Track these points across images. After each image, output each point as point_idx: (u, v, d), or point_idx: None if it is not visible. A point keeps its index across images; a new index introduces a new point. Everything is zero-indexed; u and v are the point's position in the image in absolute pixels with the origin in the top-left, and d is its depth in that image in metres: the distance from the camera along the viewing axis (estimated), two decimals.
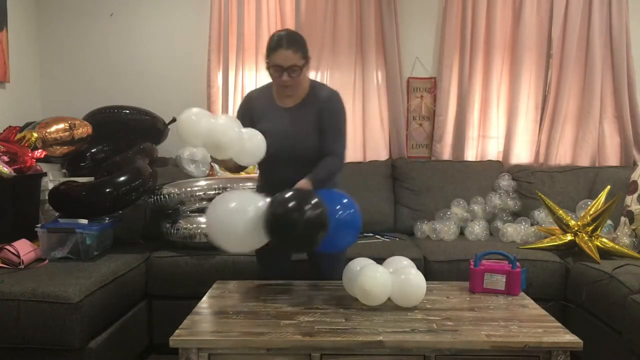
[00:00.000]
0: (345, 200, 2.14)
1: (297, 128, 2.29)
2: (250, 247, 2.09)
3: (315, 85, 2.37)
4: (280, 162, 2.29)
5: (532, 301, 2.12)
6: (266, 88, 2.40)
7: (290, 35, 2.24)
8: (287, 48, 2.17)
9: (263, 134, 2.22)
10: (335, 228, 2.02)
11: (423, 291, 2.00)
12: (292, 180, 2.19)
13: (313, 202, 1.93)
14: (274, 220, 1.91)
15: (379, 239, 3.18)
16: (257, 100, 2.38)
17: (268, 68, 2.25)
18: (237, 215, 1.95)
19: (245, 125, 2.23)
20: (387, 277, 1.98)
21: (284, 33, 2.25)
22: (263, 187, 2.39)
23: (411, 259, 2.22)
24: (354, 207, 2.14)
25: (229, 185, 2.86)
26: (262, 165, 2.34)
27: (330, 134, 2.30)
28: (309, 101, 2.31)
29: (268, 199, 1.98)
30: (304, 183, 2.18)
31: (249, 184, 2.89)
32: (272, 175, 2.35)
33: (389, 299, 2.01)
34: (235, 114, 2.53)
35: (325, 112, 2.29)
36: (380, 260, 2.17)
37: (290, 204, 1.91)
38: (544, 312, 2.00)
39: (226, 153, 2.05)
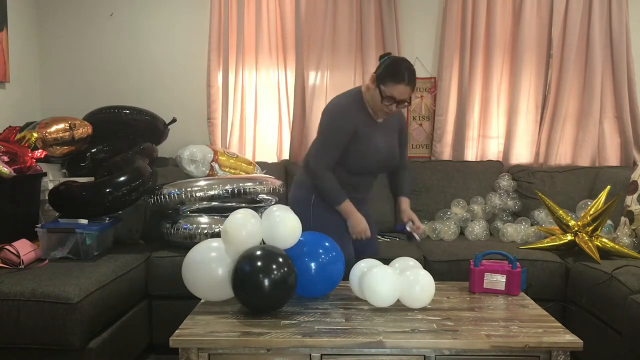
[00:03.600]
0: (328, 246, 2.12)
1: (391, 142, 2.46)
2: (221, 297, 2.06)
3: None
4: (372, 173, 2.50)
5: (532, 301, 2.12)
6: (359, 101, 2.38)
7: (411, 71, 2.26)
8: (408, 84, 2.24)
9: (366, 150, 2.36)
10: (317, 275, 2.06)
11: (432, 292, 2.00)
12: (370, 185, 2.52)
13: (280, 263, 1.91)
14: (239, 279, 1.90)
15: (379, 239, 3.18)
16: (358, 116, 2.36)
17: (379, 91, 2.26)
18: (206, 272, 2.00)
19: (344, 142, 2.33)
20: (396, 278, 1.98)
21: (406, 67, 2.25)
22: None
23: None
24: (335, 251, 2.13)
25: (228, 185, 2.86)
26: (349, 175, 2.43)
27: (404, 147, 2.60)
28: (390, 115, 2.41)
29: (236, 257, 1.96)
30: (408, 201, 2.56)
31: (249, 183, 2.89)
32: (356, 184, 2.47)
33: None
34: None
35: (402, 126, 2.57)
36: (381, 260, 2.17)
37: (258, 264, 1.89)
38: (544, 312, 2.00)
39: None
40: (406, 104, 2.31)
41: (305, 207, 2.45)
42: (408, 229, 2.51)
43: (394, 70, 2.25)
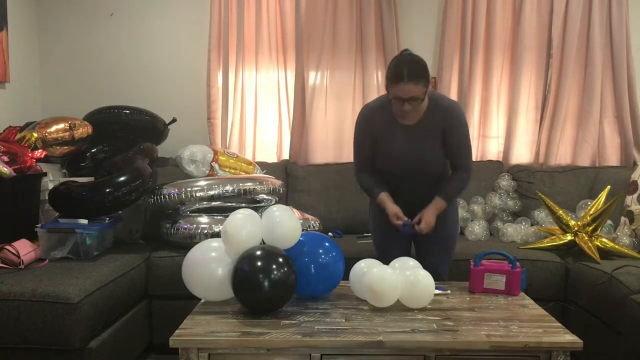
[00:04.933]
0: (327, 245, 2.13)
1: (421, 146, 2.30)
2: (221, 297, 2.06)
3: (434, 98, 2.29)
4: (407, 177, 2.37)
5: (532, 301, 2.12)
6: (384, 104, 2.30)
7: (411, 67, 2.13)
8: (408, 82, 2.11)
9: (386, 154, 2.32)
10: (316, 275, 2.06)
11: (432, 292, 2.00)
12: (422, 193, 2.35)
13: (280, 263, 1.91)
14: (239, 279, 1.90)
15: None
16: (377, 117, 2.33)
17: (387, 94, 2.21)
18: (207, 272, 1.99)
19: (366, 143, 2.34)
20: (396, 278, 1.98)
21: (405, 63, 2.14)
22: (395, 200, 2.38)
23: None
24: (335, 251, 2.13)
25: (228, 185, 2.86)
26: (390, 180, 2.40)
27: (457, 149, 2.33)
28: (431, 115, 2.28)
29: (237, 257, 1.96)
30: (439, 203, 2.30)
31: (249, 183, 2.89)
32: (401, 190, 2.40)
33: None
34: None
35: (449, 127, 2.28)
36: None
37: (258, 264, 1.89)
38: (544, 312, 2.00)
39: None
40: (418, 99, 2.15)
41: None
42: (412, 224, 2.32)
43: (392, 69, 2.17)
